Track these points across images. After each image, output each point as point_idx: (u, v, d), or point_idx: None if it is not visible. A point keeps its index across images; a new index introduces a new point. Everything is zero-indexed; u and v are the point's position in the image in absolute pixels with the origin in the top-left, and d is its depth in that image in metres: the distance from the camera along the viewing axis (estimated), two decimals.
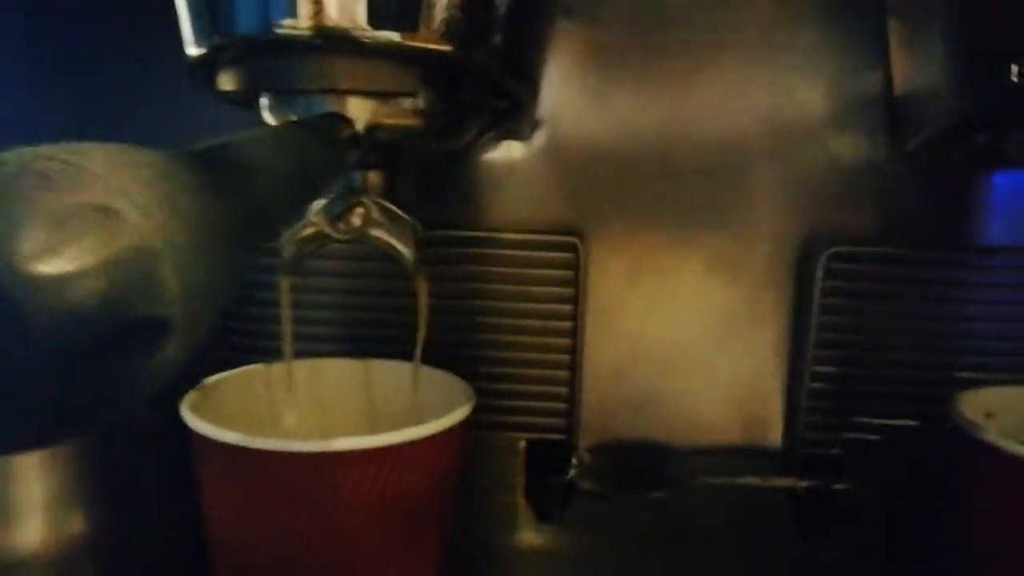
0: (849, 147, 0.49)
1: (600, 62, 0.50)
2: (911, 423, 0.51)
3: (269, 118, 0.38)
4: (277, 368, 0.45)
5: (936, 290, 0.50)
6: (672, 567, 0.55)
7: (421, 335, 0.43)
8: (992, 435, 0.39)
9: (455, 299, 0.52)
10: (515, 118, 0.45)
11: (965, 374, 0.50)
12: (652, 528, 0.54)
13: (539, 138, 0.50)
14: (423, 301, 0.42)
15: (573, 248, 0.50)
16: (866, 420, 0.52)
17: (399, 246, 0.40)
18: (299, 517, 0.37)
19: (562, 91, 0.50)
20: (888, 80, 0.47)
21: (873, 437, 0.52)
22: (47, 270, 0.15)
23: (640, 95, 0.50)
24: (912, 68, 0.45)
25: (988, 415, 0.46)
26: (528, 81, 0.44)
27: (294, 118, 0.37)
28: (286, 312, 0.42)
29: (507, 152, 0.51)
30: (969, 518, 0.42)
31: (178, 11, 0.36)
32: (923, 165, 0.49)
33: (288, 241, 0.40)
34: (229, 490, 0.38)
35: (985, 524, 0.40)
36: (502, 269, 0.52)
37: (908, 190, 0.50)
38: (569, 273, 0.51)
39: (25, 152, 0.16)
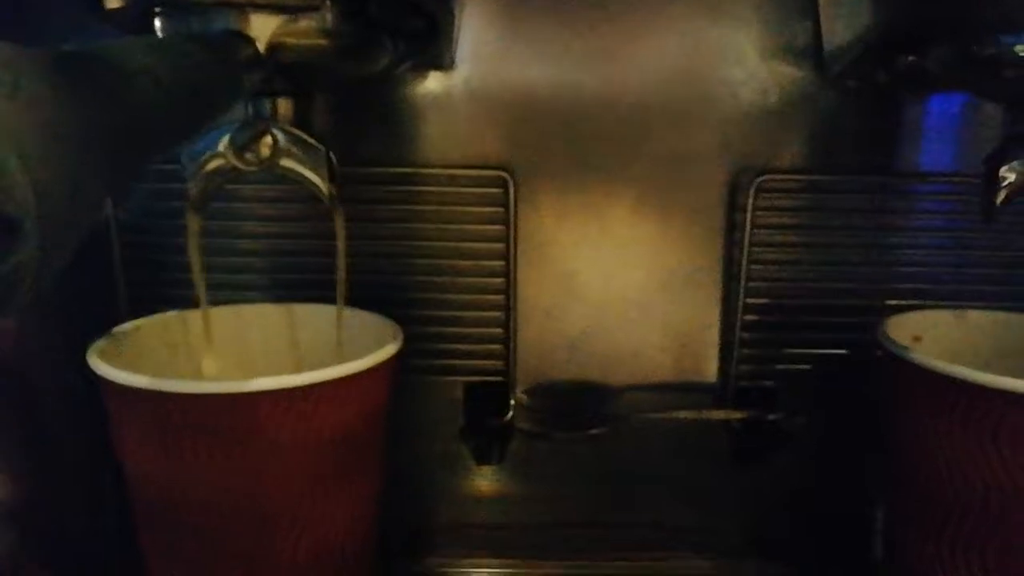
0: (776, 75, 0.49)
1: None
2: (841, 351, 0.52)
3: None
4: (192, 314, 0.43)
5: (864, 217, 0.50)
6: (611, 502, 0.55)
7: (341, 273, 0.42)
8: (918, 355, 0.39)
9: (384, 239, 0.50)
10: (433, 43, 0.43)
11: (893, 300, 0.51)
12: (590, 465, 0.54)
13: (463, 69, 0.48)
14: (341, 236, 0.40)
15: (503, 183, 0.49)
16: (798, 351, 0.52)
17: (312, 176, 0.38)
18: (223, 460, 0.35)
19: (485, 21, 0.48)
20: (813, 4, 0.47)
21: (805, 367, 0.53)
22: None
23: (567, 24, 0.48)
24: None
25: (915, 338, 0.46)
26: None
27: None
28: (195, 253, 0.40)
29: (431, 84, 0.49)
30: (897, 437, 0.42)
31: None
32: (850, 90, 0.48)
33: (194, 176, 0.38)
34: (145, 438, 0.37)
35: (912, 441, 0.41)
36: (431, 207, 0.50)
37: (837, 117, 0.49)
38: (500, 210, 0.50)
39: None
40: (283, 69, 0.36)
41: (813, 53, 0.48)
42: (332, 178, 0.38)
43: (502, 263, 0.51)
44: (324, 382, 0.35)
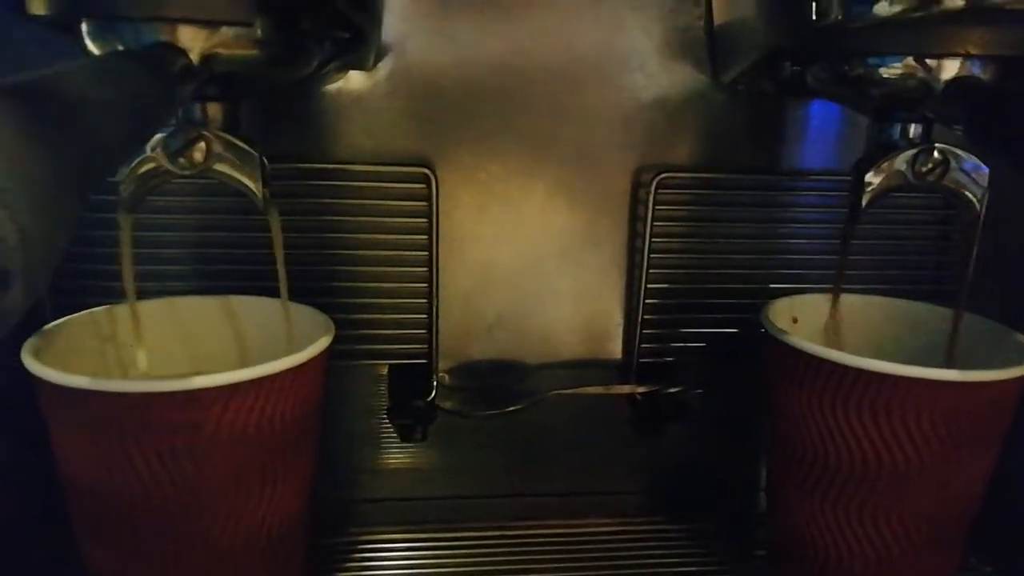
0: (676, 79, 0.53)
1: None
2: (732, 330, 0.58)
3: (92, 47, 0.36)
4: (121, 309, 0.44)
5: (752, 211, 0.56)
6: (528, 472, 0.60)
7: (281, 270, 0.43)
8: (791, 337, 0.45)
9: (309, 232, 0.52)
10: (358, 48, 0.45)
11: (777, 284, 0.57)
12: (509, 439, 0.58)
13: (384, 68, 0.51)
14: (277, 237, 0.42)
15: (425, 179, 0.52)
16: (694, 331, 0.58)
17: (246, 181, 0.39)
18: (165, 456, 0.36)
19: (405, 21, 0.50)
20: (709, 16, 0.51)
21: (701, 344, 0.58)
22: None
23: (480, 28, 0.51)
24: (729, 5, 0.49)
25: (793, 320, 0.52)
26: (369, 10, 0.44)
27: (120, 47, 0.35)
28: (126, 250, 0.41)
29: (353, 83, 0.51)
30: (776, 408, 0.48)
31: None
32: (741, 95, 0.53)
33: (126, 178, 0.38)
34: (81, 436, 0.37)
35: (787, 412, 0.47)
36: (355, 201, 0.52)
37: (729, 119, 0.54)
38: (423, 204, 0.52)
39: None
40: (216, 78, 0.37)
41: (709, 62, 0.52)
42: (265, 182, 0.40)
43: (424, 254, 0.53)
44: (267, 376, 0.37)
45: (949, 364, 0.48)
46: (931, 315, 0.51)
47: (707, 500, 0.60)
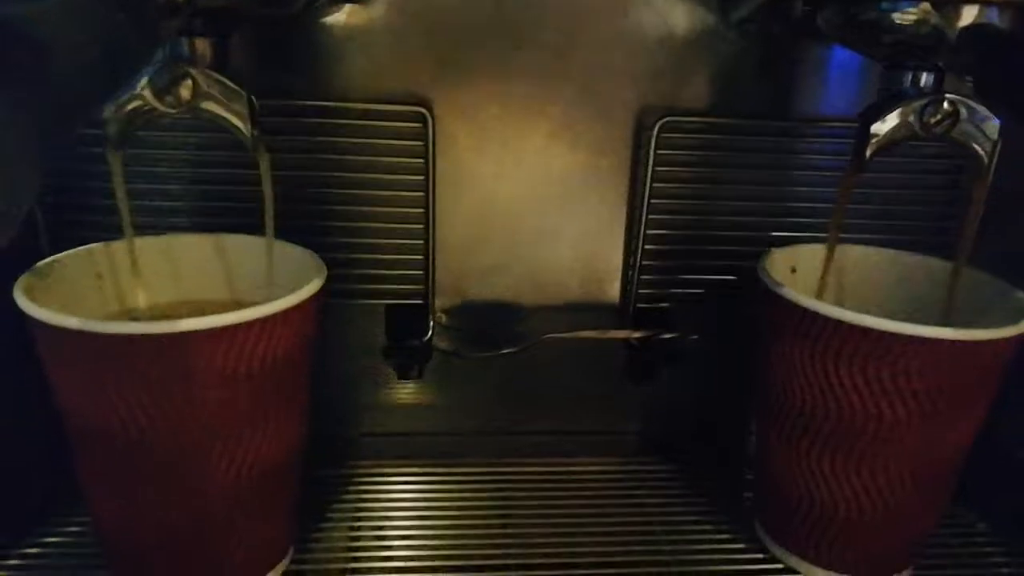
0: (682, 19, 0.51)
1: None
2: (730, 277, 0.57)
3: None
4: (118, 245, 0.44)
5: (757, 156, 0.55)
6: (521, 412, 0.61)
7: (269, 211, 0.43)
8: (786, 289, 0.44)
9: (307, 170, 0.52)
10: None
11: (781, 233, 0.56)
12: (503, 380, 0.59)
13: (380, 3, 0.49)
14: (267, 178, 0.42)
15: (422, 118, 0.51)
16: (692, 276, 0.58)
17: (234, 120, 0.39)
18: (161, 397, 0.37)
19: None
20: None
21: (699, 291, 0.58)
22: None
23: None
24: None
25: (792, 269, 0.52)
26: None
27: None
28: (119, 188, 0.41)
29: (349, 18, 0.49)
30: (769, 357, 0.48)
31: None
32: (751, 36, 0.52)
33: (112, 116, 0.38)
34: (79, 376, 0.38)
35: (778, 361, 0.47)
36: (351, 139, 0.52)
37: (737, 62, 0.53)
38: (419, 144, 0.52)
39: None
40: (201, 12, 0.36)
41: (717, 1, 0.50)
42: (254, 122, 0.39)
43: (422, 194, 0.53)
44: (256, 319, 0.38)
45: (947, 319, 0.48)
46: (933, 268, 0.50)
47: (698, 443, 0.61)
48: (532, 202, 0.55)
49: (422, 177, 0.52)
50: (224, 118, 0.39)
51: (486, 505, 0.54)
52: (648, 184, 0.53)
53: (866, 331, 0.41)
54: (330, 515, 0.52)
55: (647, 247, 0.55)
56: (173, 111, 0.38)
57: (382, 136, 0.51)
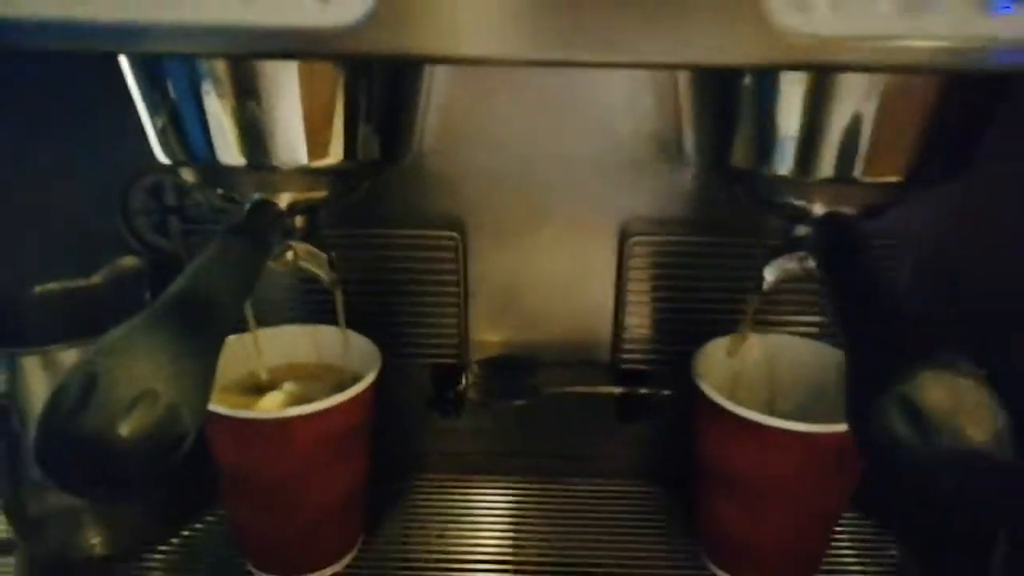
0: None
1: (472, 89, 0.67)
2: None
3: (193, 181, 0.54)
4: (246, 336, 0.66)
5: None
6: (533, 436, 0.79)
7: (342, 324, 0.64)
8: (704, 384, 0.61)
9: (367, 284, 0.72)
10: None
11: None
12: (519, 418, 0.78)
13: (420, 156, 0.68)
14: (340, 304, 0.62)
15: (454, 241, 0.70)
16: (670, 347, 0.75)
17: (320, 272, 0.59)
18: (276, 456, 0.58)
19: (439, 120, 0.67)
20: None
21: (675, 357, 0.74)
22: (126, 432, 0.35)
23: (502, 127, 0.67)
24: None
25: (729, 354, 0.67)
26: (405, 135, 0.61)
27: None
28: (251, 320, 0.63)
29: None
30: (696, 433, 0.65)
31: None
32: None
33: None
34: (223, 443, 0.59)
35: (701, 438, 0.63)
36: (394, 254, 0.72)
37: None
38: (452, 256, 0.71)
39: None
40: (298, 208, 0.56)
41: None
42: (332, 270, 0.60)
43: (456, 289, 0.73)
44: (330, 408, 0.58)
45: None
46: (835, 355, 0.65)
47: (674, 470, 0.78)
48: (542, 292, 0.74)
49: (455, 285, 0.72)
50: (312, 271, 0.59)
51: (505, 509, 0.74)
52: (626, 287, 0.71)
53: (740, 419, 0.56)
54: (388, 516, 0.74)
55: (628, 333, 0.73)
56: (282, 268, 0.58)
57: (418, 250, 0.71)
